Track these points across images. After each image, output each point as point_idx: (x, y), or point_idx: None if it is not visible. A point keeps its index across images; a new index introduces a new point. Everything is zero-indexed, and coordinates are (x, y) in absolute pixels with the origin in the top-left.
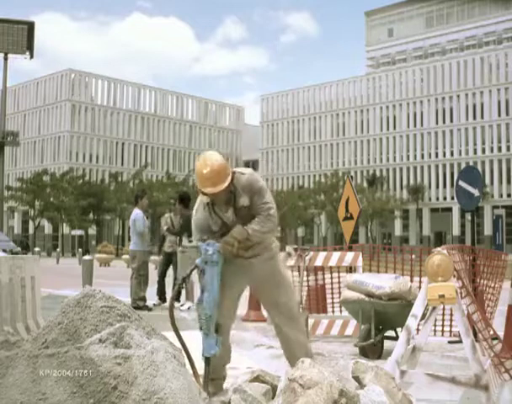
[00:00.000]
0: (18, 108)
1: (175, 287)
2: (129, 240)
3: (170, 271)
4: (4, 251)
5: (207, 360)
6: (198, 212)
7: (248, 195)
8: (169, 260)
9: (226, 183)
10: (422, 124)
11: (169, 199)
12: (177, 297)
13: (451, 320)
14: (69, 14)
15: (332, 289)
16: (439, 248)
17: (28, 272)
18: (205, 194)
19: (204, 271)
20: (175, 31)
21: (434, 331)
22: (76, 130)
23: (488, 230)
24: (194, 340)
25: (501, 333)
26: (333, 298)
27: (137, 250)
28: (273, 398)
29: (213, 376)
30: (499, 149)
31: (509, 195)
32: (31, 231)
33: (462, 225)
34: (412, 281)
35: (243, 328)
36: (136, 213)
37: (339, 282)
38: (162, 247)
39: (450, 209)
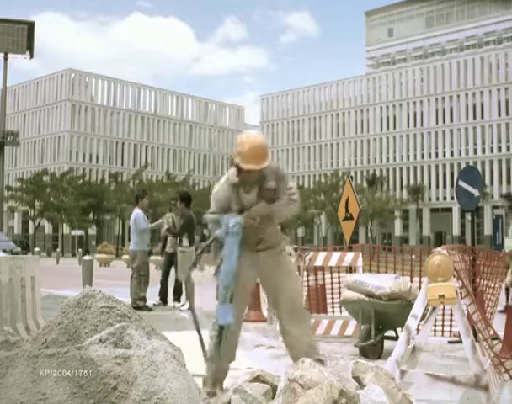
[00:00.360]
0: (18, 108)
1: (197, 252)
2: (129, 240)
3: (172, 271)
4: (4, 251)
5: (221, 329)
6: (221, 190)
7: (274, 180)
8: (171, 261)
9: (268, 162)
10: (422, 124)
11: (169, 200)
12: (177, 297)
13: (451, 320)
14: (69, 14)
15: (332, 289)
16: (439, 248)
17: (28, 272)
18: (247, 170)
19: (223, 242)
20: (175, 31)
21: (434, 331)
22: (76, 130)
23: (488, 230)
24: (194, 340)
25: (501, 333)
26: (333, 298)
27: (138, 250)
28: (273, 398)
29: (217, 375)
30: (499, 149)
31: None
32: (31, 231)
33: (462, 225)
34: (412, 281)
35: (243, 328)
36: (137, 213)
37: (339, 282)
38: (164, 247)
39: (450, 210)
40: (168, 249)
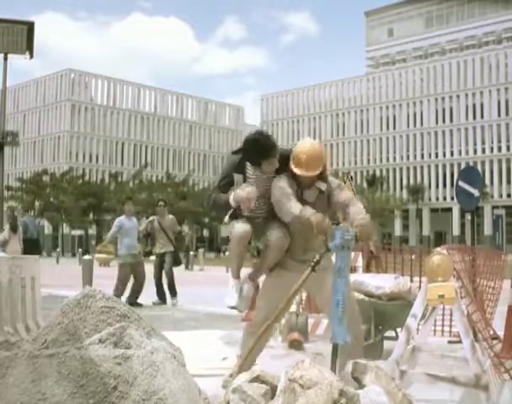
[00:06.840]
0: (18, 108)
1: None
2: None
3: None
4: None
5: (335, 347)
6: (283, 182)
7: (328, 186)
8: (162, 260)
9: (318, 171)
10: (422, 124)
11: (168, 200)
12: (173, 294)
13: (451, 320)
14: (69, 14)
15: None
16: (439, 248)
17: (28, 272)
18: (300, 175)
19: (336, 255)
20: (175, 31)
21: (434, 331)
22: (76, 130)
23: (488, 230)
24: (194, 340)
25: (501, 333)
26: None
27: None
28: (272, 398)
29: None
30: (499, 149)
31: (509, 195)
32: None
33: (462, 225)
34: (412, 281)
35: (243, 329)
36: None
37: None
38: (153, 247)
39: (450, 210)
40: (159, 250)
